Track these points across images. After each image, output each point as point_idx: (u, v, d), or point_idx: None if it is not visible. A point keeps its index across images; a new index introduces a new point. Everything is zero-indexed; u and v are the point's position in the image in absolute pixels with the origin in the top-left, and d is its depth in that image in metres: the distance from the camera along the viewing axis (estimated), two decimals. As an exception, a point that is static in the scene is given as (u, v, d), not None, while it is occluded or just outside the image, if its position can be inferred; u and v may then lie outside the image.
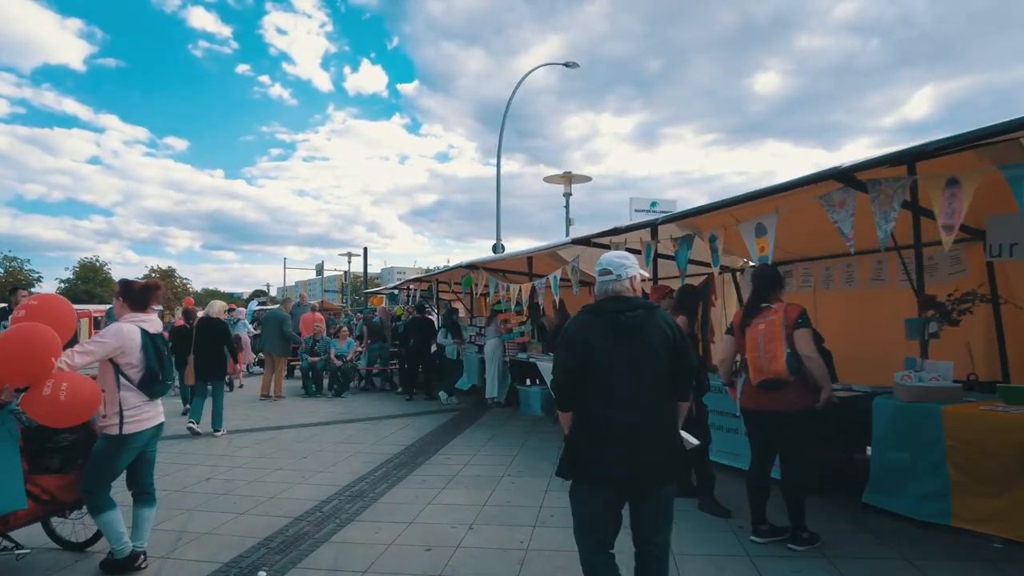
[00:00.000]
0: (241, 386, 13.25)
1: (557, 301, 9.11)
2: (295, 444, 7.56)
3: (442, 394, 10.94)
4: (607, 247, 7.43)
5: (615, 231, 6.96)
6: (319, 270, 36.11)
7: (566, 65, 19.98)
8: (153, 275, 54.62)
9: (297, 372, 13.37)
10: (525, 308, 9.93)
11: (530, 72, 19.72)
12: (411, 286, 14.63)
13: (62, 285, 51.97)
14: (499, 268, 10.62)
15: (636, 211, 14.93)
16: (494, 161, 17.69)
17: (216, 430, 8.12)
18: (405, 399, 11.43)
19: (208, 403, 8.23)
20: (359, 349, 13.09)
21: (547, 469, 6.07)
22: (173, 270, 55.10)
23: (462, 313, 14.93)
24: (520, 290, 9.23)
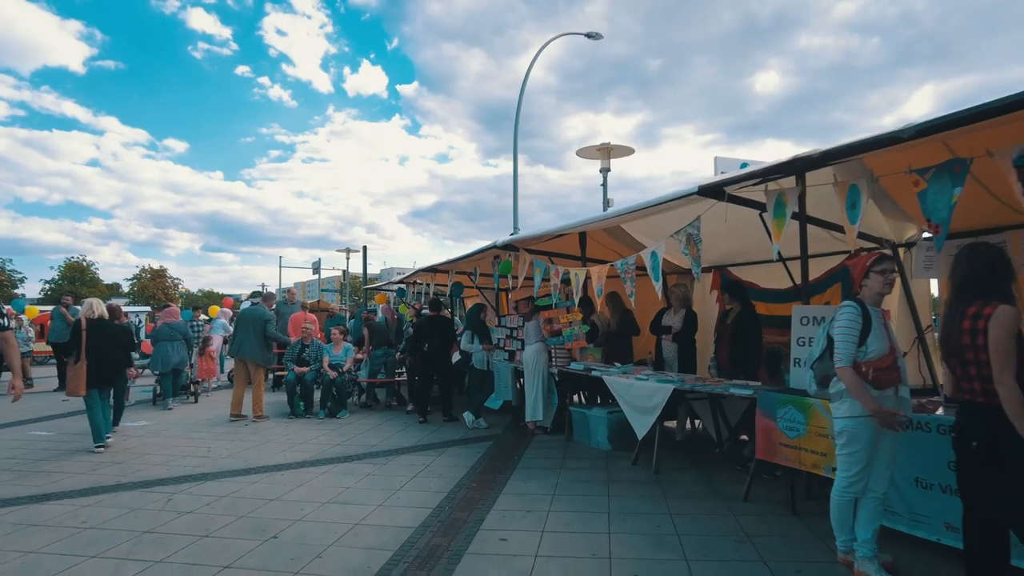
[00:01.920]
0: (207, 395, 10.70)
1: (600, 292, 6.61)
2: (263, 508, 5.02)
3: (468, 416, 8.41)
4: (752, 205, 4.96)
5: (752, 175, 4.45)
6: (316, 268, 33.58)
7: (588, 36, 17.54)
8: (144, 275, 52.13)
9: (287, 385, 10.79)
10: (599, 301, 7.45)
11: (548, 43, 17.25)
12: (419, 279, 12.09)
13: (47, 286, 49.48)
14: (544, 249, 8.09)
15: (722, 173, 12.35)
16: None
17: (97, 444, 7.04)
18: (418, 421, 8.92)
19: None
20: (359, 356, 10.56)
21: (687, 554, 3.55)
22: (164, 270, 52.60)
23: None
24: (587, 278, 6.68)
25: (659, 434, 5.99)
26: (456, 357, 8.69)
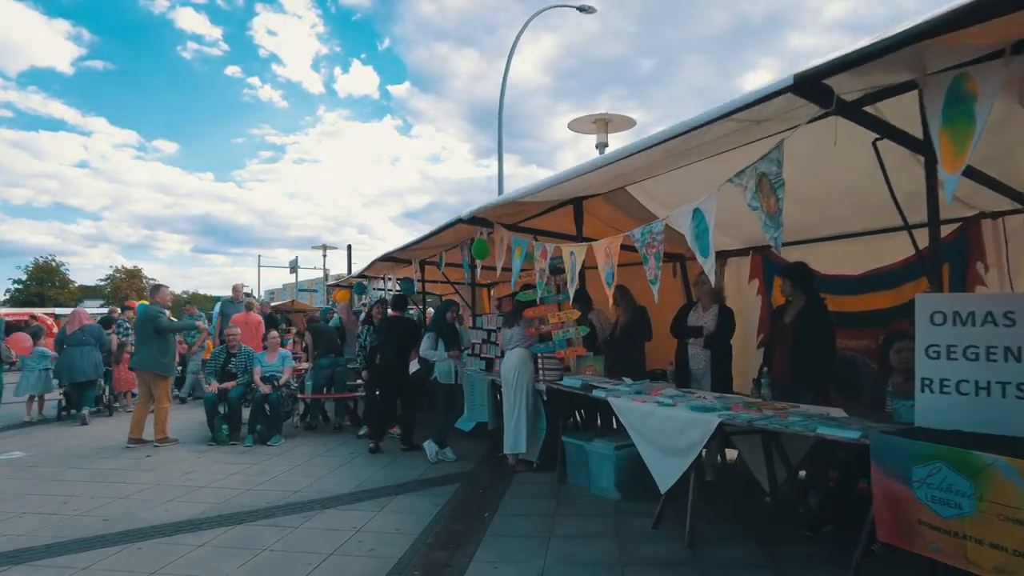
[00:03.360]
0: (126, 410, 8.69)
1: (609, 278, 4.63)
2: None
3: (429, 446, 6.44)
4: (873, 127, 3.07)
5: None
6: (292, 267, 31.42)
7: (580, 9, 15.71)
8: (117, 275, 49.86)
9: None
10: (608, 294, 5.41)
11: (536, 14, 15.39)
12: (378, 272, 10.11)
13: (15, 286, 47.04)
14: (529, 227, 6.12)
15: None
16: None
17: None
18: (368, 448, 6.96)
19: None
20: (301, 367, 8.57)
21: None
22: (139, 270, 50.29)
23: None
24: (584, 266, 4.72)
25: (693, 487, 4.04)
26: (414, 366, 6.73)
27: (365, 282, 11.14)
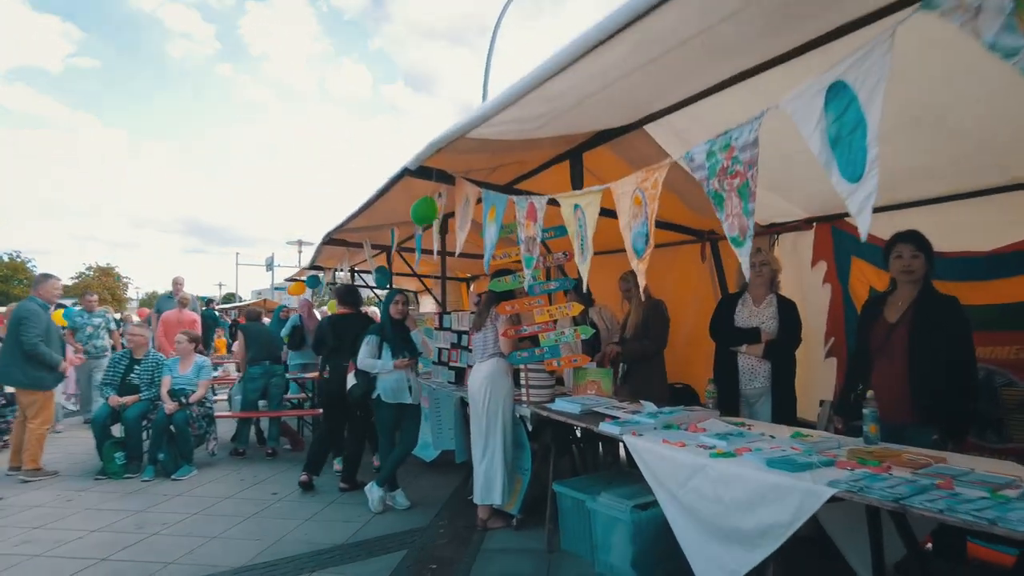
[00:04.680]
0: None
1: (640, 250, 2.90)
2: None
3: (372, 492, 4.74)
4: None
5: None
6: (268, 265, 29.52)
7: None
8: (88, 272, 47.91)
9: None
10: (640, 274, 3.60)
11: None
12: (331, 263, 8.39)
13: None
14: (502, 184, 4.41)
15: None
16: None
17: None
18: (300, 481, 5.27)
19: None
20: (225, 376, 6.85)
21: None
22: (112, 267, 48.27)
23: (427, 306, 9.05)
24: (597, 207, 3.01)
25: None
26: (350, 380, 5.03)
27: (321, 274, 9.42)
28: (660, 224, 4.86)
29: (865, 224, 1.70)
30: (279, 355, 7.03)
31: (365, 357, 4.75)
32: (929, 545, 3.08)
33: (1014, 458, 3.51)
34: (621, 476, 3.96)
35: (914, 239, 3.10)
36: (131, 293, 51.89)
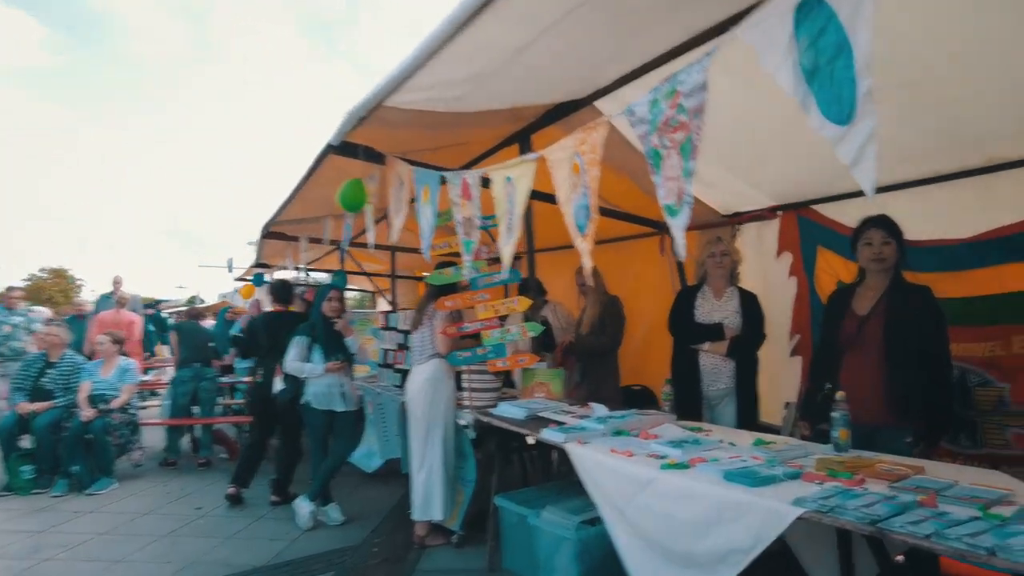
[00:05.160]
0: None
1: (586, 231, 2.55)
2: None
3: (301, 506, 4.31)
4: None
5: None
6: (229, 267, 28.55)
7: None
8: (42, 274, 46.23)
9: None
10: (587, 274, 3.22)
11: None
12: (273, 260, 7.91)
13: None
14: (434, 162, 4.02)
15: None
16: None
17: None
18: (227, 494, 4.81)
19: None
20: (153, 380, 6.35)
21: None
22: (65, 270, 46.59)
23: (383, 309, 8.80)
24: (529, 182, 2.64)
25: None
26: (278, 385, 4.60)
27: (270, 273, 8.93)
28: (616, 215, 4.57)
29: (869, 179, 1.36)
30: (212, 357, 6.53)
31: (293, 360, 4.32)
32: (900, 557, 2.79)
33: (988, 464, 3.26)
34: (572, 488, 3.58)
35: (885, 224, 2.82)
36: (86, 295, 50.14)
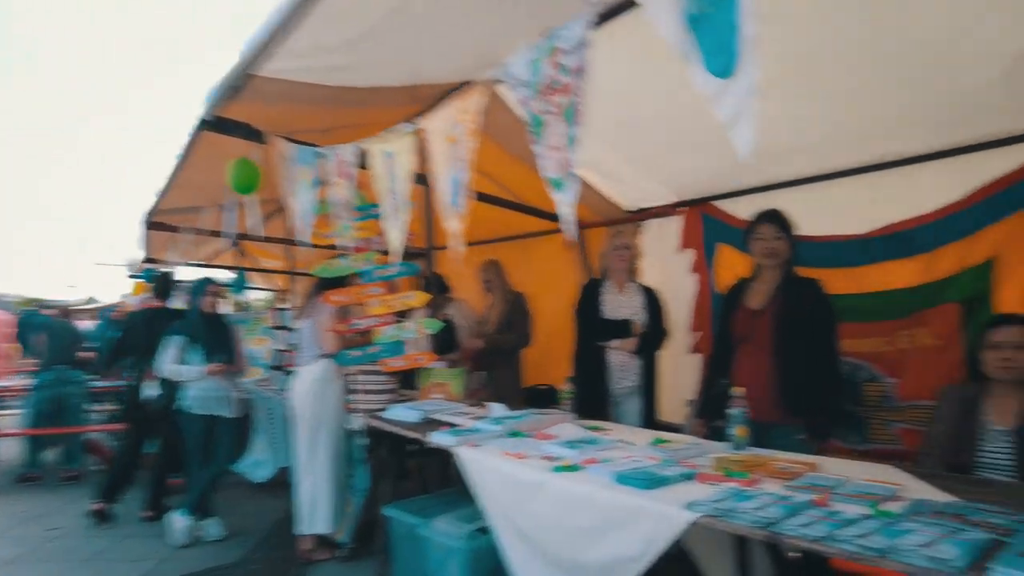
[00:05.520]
0: None
1: (459, 204, 2.38)
2: None
3: (177, 520, 3.92)
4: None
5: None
6: (125, 264, 26.73)
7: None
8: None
9: None
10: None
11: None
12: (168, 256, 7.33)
13: None
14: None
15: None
16: None
17: None
18: (89, 510, 4.32)
19: None
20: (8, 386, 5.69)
21: None
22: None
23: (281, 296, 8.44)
24: (411, 155, 2.41)
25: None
26: (149, 391, 4.17)
27: (154, 268, 8.24)
28: (518, 207, 4.42)
29: (746, 139, 1.23)
30: (75, 359, 5.89)
31: (170, 362, 3.91)
32: (795, 554, 2.76)
33: (875, 460, 3.32)
34: (469, 495, 3.39)
35: (776, 219, 2.82)
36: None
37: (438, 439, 2.68)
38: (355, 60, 2.54)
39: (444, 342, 4.13)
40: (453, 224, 2.17)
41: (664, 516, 1.73)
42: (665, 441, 2.57)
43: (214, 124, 3.04)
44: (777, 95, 2.63)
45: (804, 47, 2.42)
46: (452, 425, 2.94)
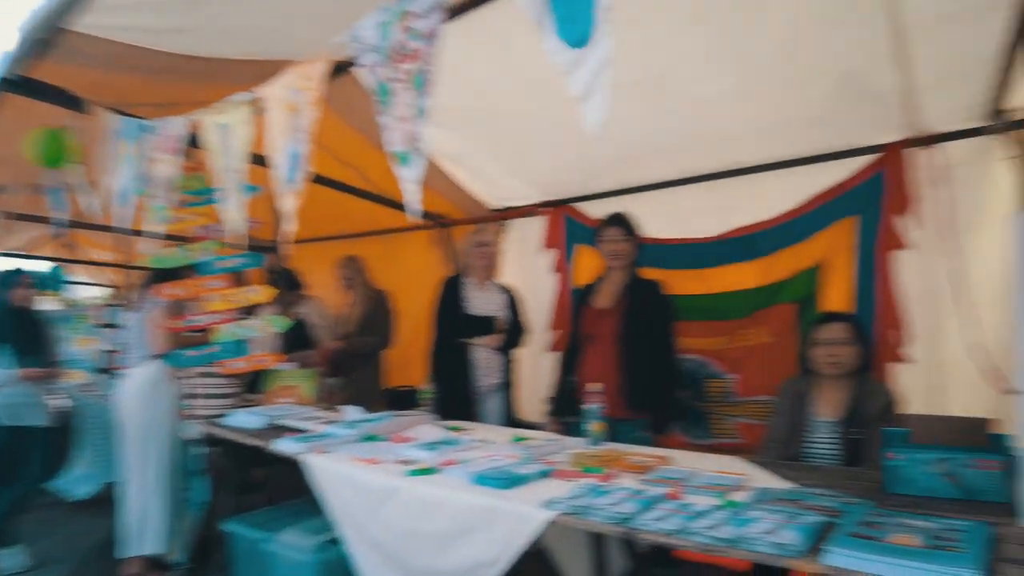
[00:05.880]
0: None
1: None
2: None
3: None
4: None
5: None
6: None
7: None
8: None
9: None
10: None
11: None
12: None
13: None
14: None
15: None
16: None
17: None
18: None
19: None
20: None
21: None
22: None
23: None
24: (247, 128, 2.20)
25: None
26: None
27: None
28: (383, 200, 4.24)
29: (598, 113, 1.19)
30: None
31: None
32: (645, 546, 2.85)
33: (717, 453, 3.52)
34: (315, 508, 3.17)
35: (622, 222, 2.96)
36: None
37: (283, 446, 2.47)
38: (195, 22, 2.27)
39: (295, 342, 3.88)
40: (288, 202, 1.99)
41: (521, 516, 1.67)
42: (525, 439, 2.54)
43: (18, 84, 2.61)
44: (637, 101, 2.70)
45: (663, 56, 2.49)
46: (301, 431, 2.73)
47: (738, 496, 1.68)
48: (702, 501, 1.63)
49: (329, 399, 3.61)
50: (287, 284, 4.02)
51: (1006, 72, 2.20)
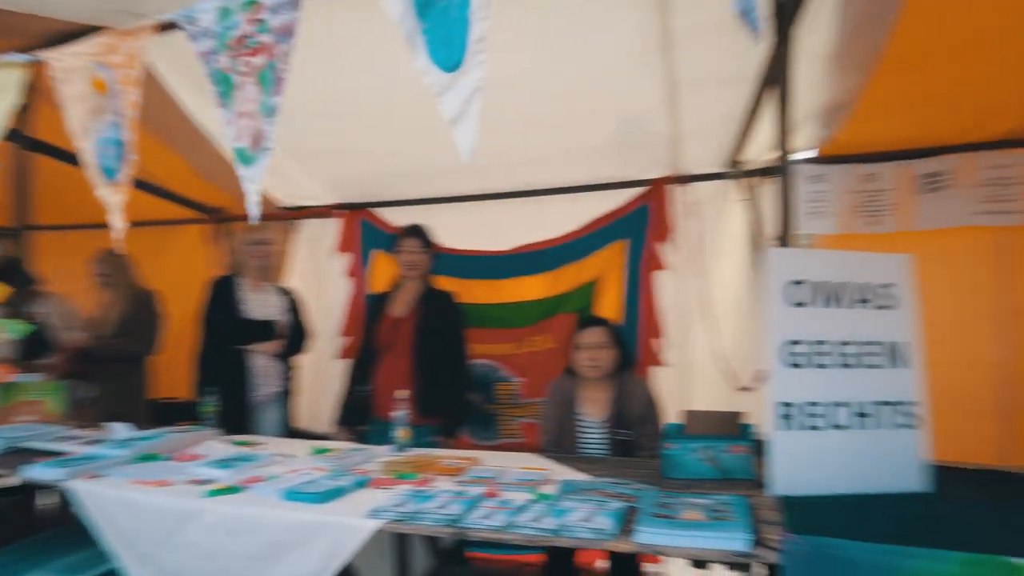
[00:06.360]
0: None
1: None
2: None
3: None
4: None
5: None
6: None
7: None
8: None
9: None
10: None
11: None
12: None
13: None
14: None
15: None
16: None
17: None
18: None
19: None
20: None
21: None
22: None
23: None
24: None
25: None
26: None
27: None
28: (154, 190, 3.80)
29: (469, 139, 1.25)
30: None
31: None
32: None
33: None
34: (79, 536, 2.73)
35: (419, 234, 3.06)
36: None
37: (40, 474, 2.10)
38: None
39: (33, 348, 3.28)
40: (111, 199, 1.72)
41: (345, 528, 1.66)
42: (327, 450, 2.47)
43: None
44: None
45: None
46: (56, 454, 2.34)
47: (547, 489, 1.84)
48: (518, 497, 1.77)
49: (82, 414, 3.12)
50: (18, 279, 3.40)
51: (745, 131, 2.71)
